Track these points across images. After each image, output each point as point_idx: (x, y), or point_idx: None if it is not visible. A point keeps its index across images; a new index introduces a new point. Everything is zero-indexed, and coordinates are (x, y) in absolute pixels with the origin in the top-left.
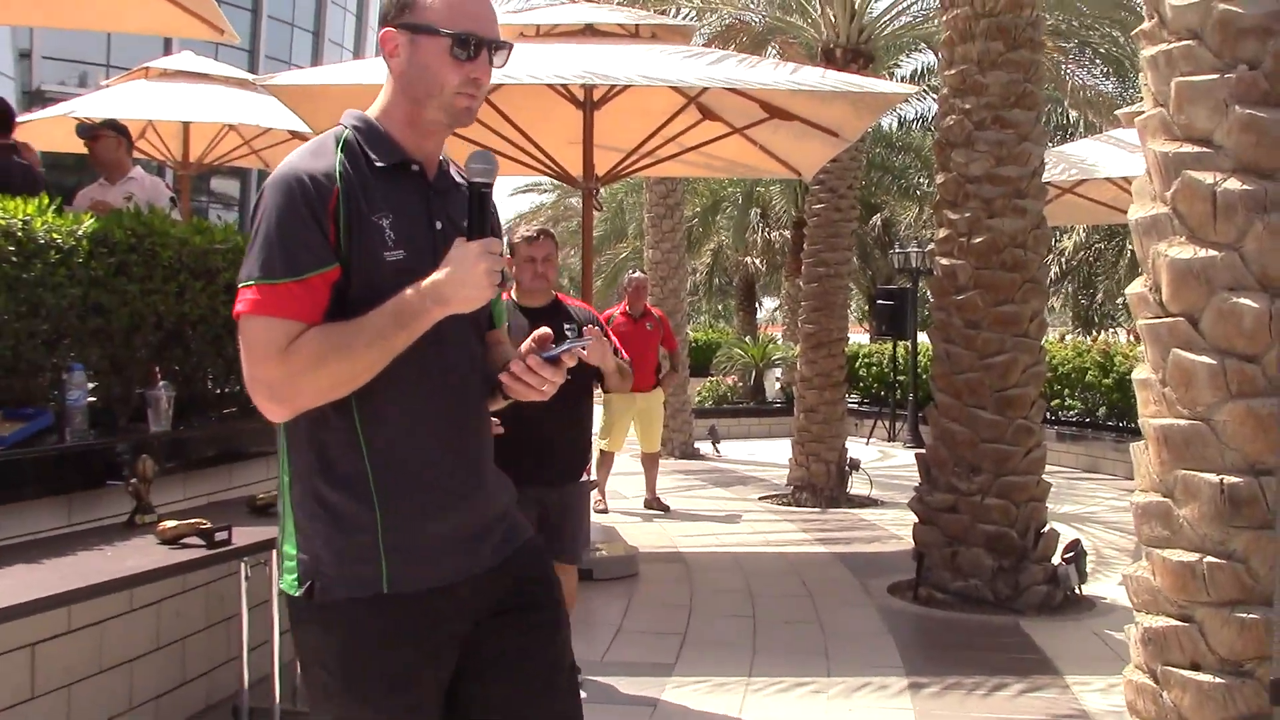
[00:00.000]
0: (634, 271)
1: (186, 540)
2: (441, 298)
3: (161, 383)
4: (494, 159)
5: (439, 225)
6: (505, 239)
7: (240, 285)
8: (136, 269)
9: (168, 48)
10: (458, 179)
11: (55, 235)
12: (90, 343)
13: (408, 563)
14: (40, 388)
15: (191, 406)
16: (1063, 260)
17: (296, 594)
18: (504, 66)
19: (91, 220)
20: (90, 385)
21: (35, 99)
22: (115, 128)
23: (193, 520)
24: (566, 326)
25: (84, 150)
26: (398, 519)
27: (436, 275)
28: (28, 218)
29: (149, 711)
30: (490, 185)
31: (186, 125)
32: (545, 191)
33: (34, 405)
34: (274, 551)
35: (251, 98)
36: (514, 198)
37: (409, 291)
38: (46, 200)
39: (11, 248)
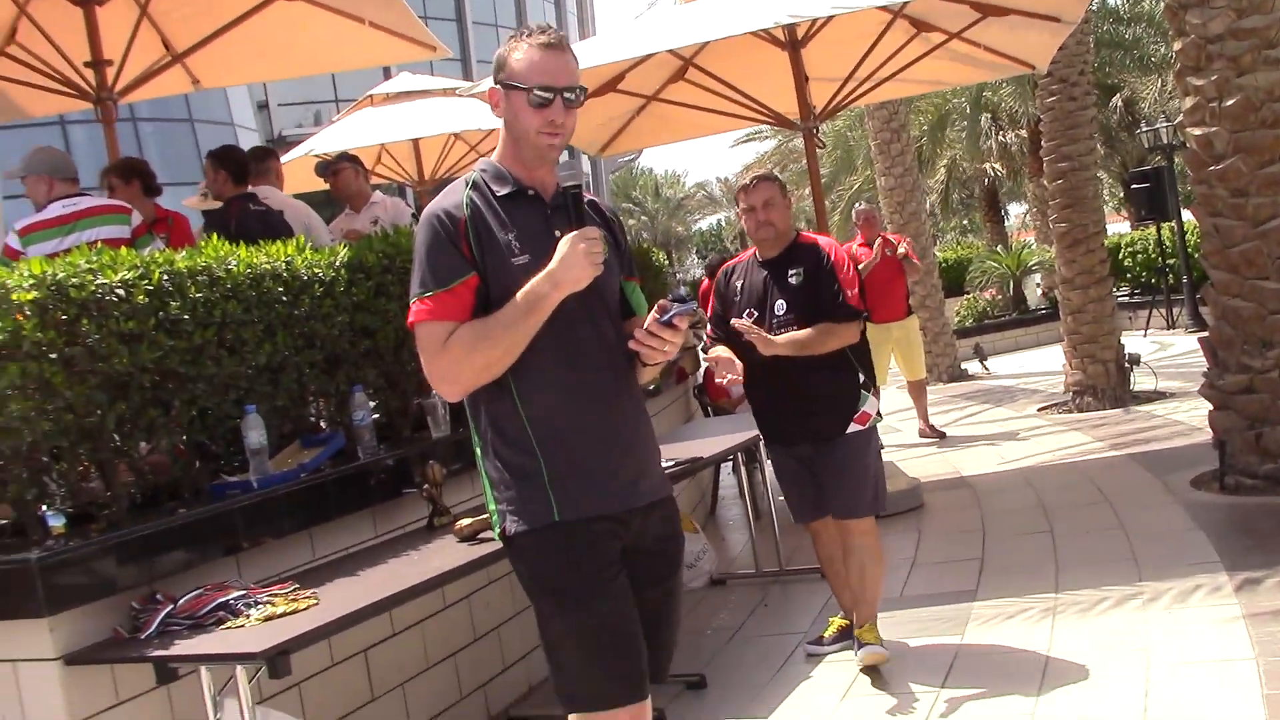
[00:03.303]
0: (860, 204)
1: (482, 535)
2: (555, 281)
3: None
4: (575, 164)
5: (558, 233)
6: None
7: (409, 301)
8: (393, 288)
9: (387, 74)
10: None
11: (316, 269)
12: (364, 364)
13: (570, 498)
14: (328, 413)
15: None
16: None
17: (498, 537)
18: (582, 104)
19: (345, 249)
20: (371, 403)
21: (278, 145)
22: (350, 159)
23: (485, 515)
24: (790, 272)
25: (326, 186)
26: (557, 466)
27: (550, 265)
28: (289, 258)
29: (478, 700)
30: (578, 186)
31: (416, 143)
32: (766, 138)
33: (326, 430)
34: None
35: (469, 104)
36: (735, 149)
37: (530, 282)
38: (302, 239)
39: (280, 288)
